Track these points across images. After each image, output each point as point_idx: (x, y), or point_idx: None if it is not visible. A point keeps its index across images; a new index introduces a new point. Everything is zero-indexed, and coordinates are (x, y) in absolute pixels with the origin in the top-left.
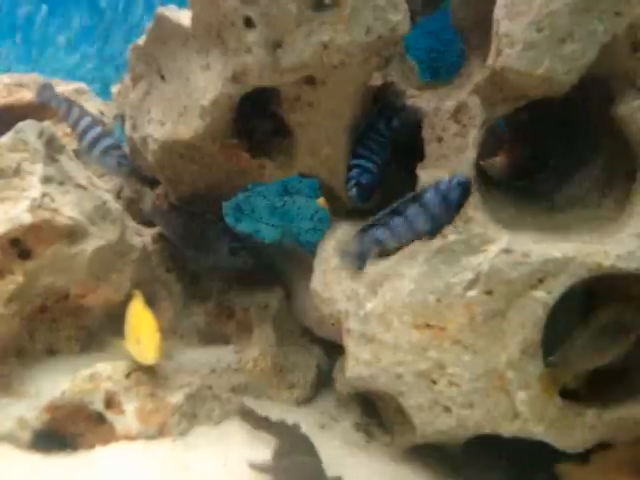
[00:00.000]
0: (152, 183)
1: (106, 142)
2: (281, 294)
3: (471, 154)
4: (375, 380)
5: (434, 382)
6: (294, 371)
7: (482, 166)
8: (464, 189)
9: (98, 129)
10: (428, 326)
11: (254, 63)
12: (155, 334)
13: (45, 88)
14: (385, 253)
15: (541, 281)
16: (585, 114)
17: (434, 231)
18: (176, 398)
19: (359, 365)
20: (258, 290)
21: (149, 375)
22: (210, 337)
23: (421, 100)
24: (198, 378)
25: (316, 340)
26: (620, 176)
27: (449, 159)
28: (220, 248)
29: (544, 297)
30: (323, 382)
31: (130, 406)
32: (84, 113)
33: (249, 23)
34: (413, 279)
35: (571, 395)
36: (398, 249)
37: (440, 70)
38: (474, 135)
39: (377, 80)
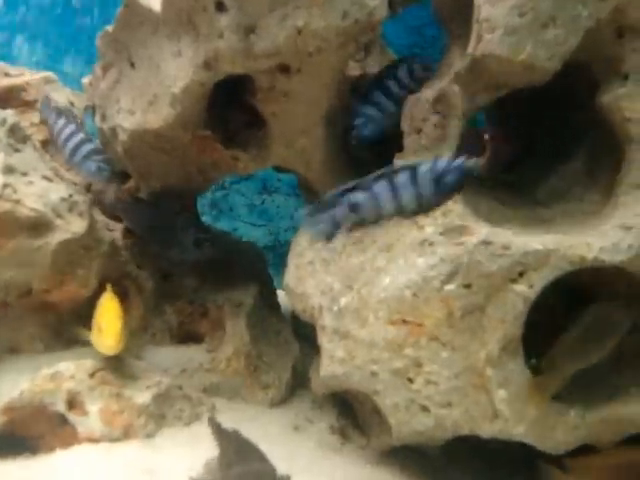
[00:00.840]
0: (124, 177)
1: (87, 147)
2: (255, 291)
3: (452, 145)
4: (349, 378)
5: (411, 380)
6: (269, 371)
7: None
8: (461, 174)
9: (80, 135)
10: (404, 322)
11: (226, 49)
12: (116, 322)
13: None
14: (361, 223)
15: (522, 274)
16: (568, 103)
17: (418, 211)
18: (143, 398)
19: (333, 363)
20: (232, 287)
21: (115, 374)
22: (183, 336)
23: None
24: (168, 378)
25: (295, 337)
26: (604, 167)
27: (429, 151)
28: (185, 240)
29: (525, 291)
30: (300, 382)
31: (94, 407)
32: (69, 121)
33: (221, 7)
34: (389, 273)
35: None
36: (375, 221)
37: None
38: (454, 125)
39: (355, 71)
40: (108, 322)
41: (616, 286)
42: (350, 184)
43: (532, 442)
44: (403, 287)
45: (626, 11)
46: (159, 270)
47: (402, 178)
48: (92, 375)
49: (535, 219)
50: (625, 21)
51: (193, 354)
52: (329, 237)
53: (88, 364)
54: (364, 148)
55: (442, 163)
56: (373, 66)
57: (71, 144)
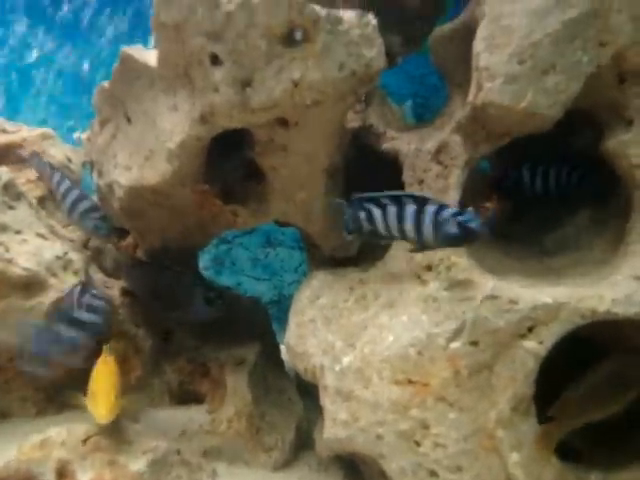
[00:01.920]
0: (122, 233)
1: (84, 205)
2: (258, 348)
3: (454, 195)
4: (353, 441)
5: (417, 443)
6: (272, 432)
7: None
8: (464, 232)
9: (76, 192)
10: (410, 382)
11: (222, 103)
12: (110, 390)
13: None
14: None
15: (531, 330)
16: (574, 150)
17: (419, 247)
18: (138, 465)
19: (336, 426)
20: (234, 344)
21: (110, 439)
22: (183, 396)
23: (401, 142)
24: (165, 441)
25: (299, 395)
26: (612, 214)
27: None
28: (195, 299)
29: (535, 347)
30: (305, 442)
31: (85, 477)
32: (64, 176)
33: (216, 61)
34: (392, 330)
35: (574, 456)
36: (385, 238)
37: (426, 116)
38: (457, 175)
39: (355, 122)
40: (102, 390)
41: (633, 339)
42: (367, 195)
43: None
44: (407, 345)
45: (626, 56)
46: (159, 328)
47: (409, 211)
48: (85, 441)
49: (543, 270)
50: (626, 66)
51: (193, 415)
52: (351, 232)
53: (80, 429)
54: None
55: (446, 213)
56: (373, 117)
57: (69, 200)
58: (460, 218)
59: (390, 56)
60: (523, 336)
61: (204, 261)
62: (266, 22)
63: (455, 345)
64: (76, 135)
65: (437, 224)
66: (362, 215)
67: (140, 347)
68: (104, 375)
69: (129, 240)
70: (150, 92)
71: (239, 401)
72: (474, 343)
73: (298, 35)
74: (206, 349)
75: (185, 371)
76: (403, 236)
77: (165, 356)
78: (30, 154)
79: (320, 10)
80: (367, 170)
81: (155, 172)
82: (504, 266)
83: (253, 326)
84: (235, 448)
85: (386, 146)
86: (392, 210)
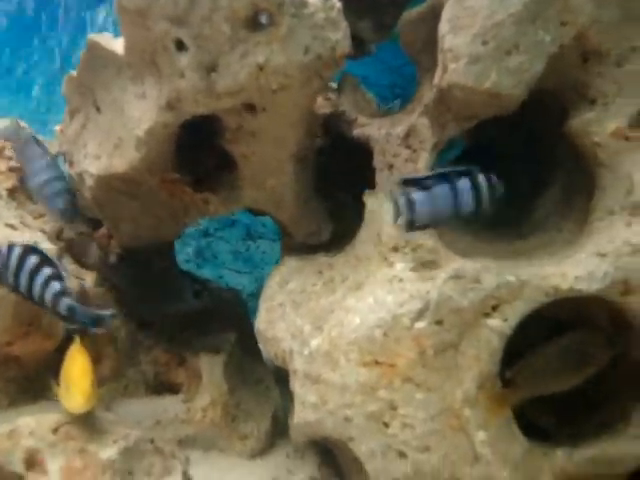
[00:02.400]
0: (96, 224)
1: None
2: (234, 338)
3: None
4: (322, 425)
5: (386, 425)
6: (248, 421)
7: None
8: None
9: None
10: (376, 363)
11: (188, 88)
12: (84, 378)
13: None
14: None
15: (495, 308)
16: (543, 132)
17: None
18: (109, 453)
19: (305, 409)
20: (210, 335)
21: (81, 428)
22: (159, 386)
23: (371, 128)
24: (139, 430)
25: (277, 385)
26: (580, 195)
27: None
28: (184, 293)
29: (499, 326)
30: (281, 431)
31: (55, 465)
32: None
33: (181, 46)
34: (359, 312)
35: (540, 433)
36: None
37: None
38: (425, 159)
39: (326, 109)
40: (76, 379)
41: (596, 315)
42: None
43: None
44: (373, 327)
45: (588, 35)
46: (134, 318)
47: (461, 184)
48: (55, 430)
49: (513, 252)
50: (588, 46)
51: (168, 405)
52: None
53: (51, 419)
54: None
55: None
56: (345, 104)
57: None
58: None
59: (362, 43)
60: (487, 315)
61: (186, 254)
62: (230, 5)
63: (420, 325)
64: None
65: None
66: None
67: (115, 337)
68: (76, 364)
69: (102, 231)
70: (118, 80)
71: (214, 390)
72: (439, 323)
73: (264, 19)
74: (182, 339)
75: (161, 361)
76: (458, 213)
77: (141, 346)
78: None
79: None
80: (340, 157)
81: (124, 160)
82: (474, 249)
83: (231, 317)
84: (210, 436)
85: (357, 132)
86: (445, 189)
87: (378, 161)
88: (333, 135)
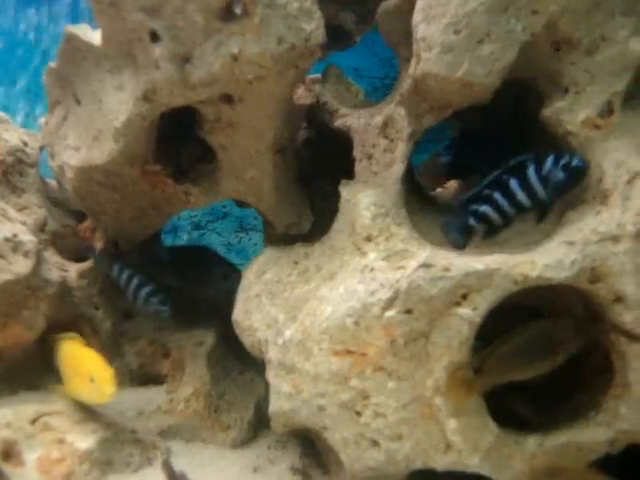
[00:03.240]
0: (80, 216)
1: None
2: (219, 329)
3: (398, 168)
4: (297, 414)
5: (359, 413)
6: (230, 411)
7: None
8: (571, 174)
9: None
10: (348, 352)
11: (163, 80)
12: (106, 367)
13: None
14: (491, 232)
15: (464, 297)
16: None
17: (535, 207)
18: (87, 444)
19: (280, 399)
20: (195, 326)
21: (60, 420)
22: (144, 378)
23: (351, 118)
24: (120, 421)
25: (261, 376)
26: None
27: (379, 176)
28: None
29: (469, 314)
30: (265, 421)
31: (32, 456)
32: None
33: (155, 37)
34: (331, 301)
35: (518, 422)
36: (504, 226)
37: None
38: (401, 149)
39: (307, 99)
40: (97, 370)
41: (574, 306)
42: (468, 194)
43: (488, 473)
44: (344, 316)
45: (559, 24)
46: (119, 310)
47: (513, 184)
48: (34, 421)
49: (488, 242)
50: (559, 35)
51: (152, 396)
52: (462, 245)
53: (30, 410)
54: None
55: (548, 163)
56: (327, 95)
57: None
58: (562, 162)
59: (346, 34)
60: (457, 304)
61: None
62: None
63: (390, 314)
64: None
65: (544, 180)
66: (471, 221)
67: (98, 329)
68: (88, 355)
69: (86, 223)
70: (97, 72)
71: (197, 381)
72: (408, 311)
73: (238, 9)
74: (167, 331)
75: (146, 353)
76: (520, 210)
77: (126, 338)
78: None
79: None
80: (324, 148)
81: (102, 152)
82: None
83: (217, 308)
84: (193, 427)
85: (338, 123)
86: (498, 195)
87: (357, 151)
88: (317, 126)
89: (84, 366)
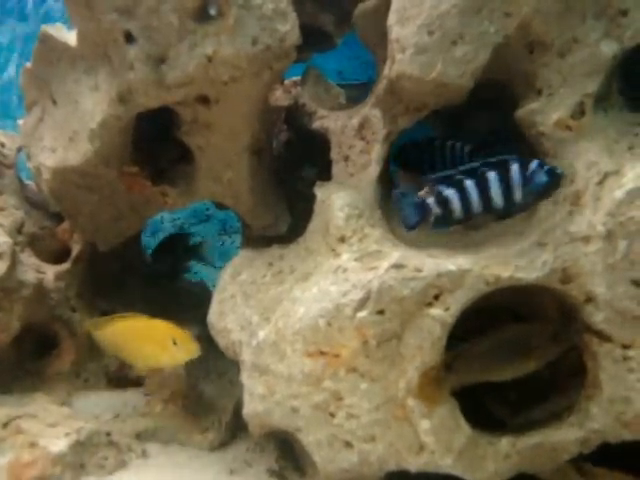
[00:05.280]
0: (59, 218)
1: None
2: (198, 331)
3: (373, 170)
4: (270, 415)
5: (332, 415)
6: (209, 414)
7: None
8: (555, 178)
9: None
10: (321, 353)
11: (138, 80)
12: (186, 331)
13: None
14: (445, 222)
15: (437, 297)
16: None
17: (507, 211)
18: (59, 447)
19: (254, 400)
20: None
21: (33, 423)
22: (122, 380)
23: (329, 120)
24: (95, 424)
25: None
26: None
27: (355, 177)
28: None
29: (441, 315)
30: (243, 424)
31: (2, 460)
32: None
33: (130, 38)
34: (304, 302)
35: (498, 424)
36: (464, 220)
37: None
38: (377, 150)
39: (285, 101)
40: (178, 332)
41: (538, 304)
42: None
43: (461, 474)
44: (317, 316)
45: (531, 26)
46: (98, 312)
47: (492, 177)
48: (6, 425)
49: (466, 242)
50: (533, 37)
51: (129, 398)
52: (413, 226)
53: (1, 413)
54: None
55: (532, 165)
56: (306, 97)
57: None
58: (547, 167)
59: (325, 35)
60: (429, 304)
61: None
62: None
63: (362, 314)
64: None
65: (526, 179)
66: (430, 200)
67: (75, 331)
68: (158, 322)
69: (65, 225)
70: (72, 72)
71: (175, 383)
72: (380, 312)
73: (212, 10)
74: None
75: None
76: (487, 206)
77: None
78: None
79: None
80: (302, 150)
81: (78, 153)
82: (427, 239)
83: (198, 310)
84: (170, 429)
85: (316, 125)
86: (470, 183)
87: (335, 153)
88: (296, 128)
89: (160, 334)
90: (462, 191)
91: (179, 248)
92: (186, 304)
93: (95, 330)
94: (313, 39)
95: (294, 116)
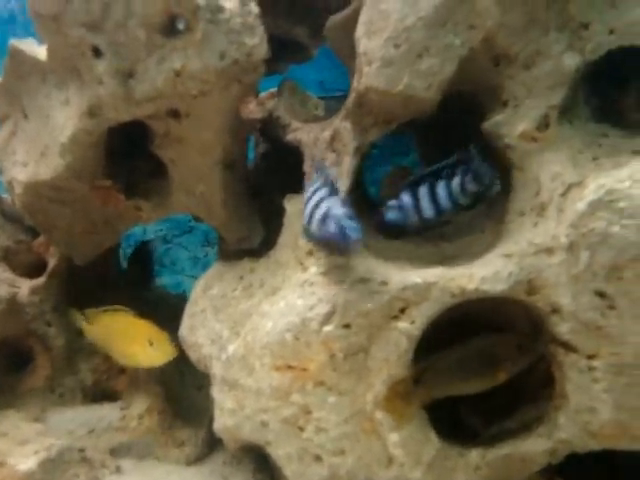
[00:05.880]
0: (36, 232)
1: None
2: (177, 343)
3: (344, 183)
4: (240, 430)
5: (301, 429)
6: (185, 428)
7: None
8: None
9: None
10: (289, 367)
11: (107, 95)
12: (163, 332)
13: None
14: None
15: (403, 311)
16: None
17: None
18: (28, 465)
19: (224, 415)
20: None
21: (3, 441)
22: (99, 395)
23: (302, 132)
24: (68, 440)
25: None
26: (502, 197)
27: None
28: None
29: (407, 328)
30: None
31: None
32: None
33: (98, 52)
34: (272, 317)
35: (473, 434)
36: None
37: None
38: (348, 162)
39: (258, 114)
40: (156, 333)
41: (505, 316)
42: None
43: None
44: (284, 331)
45: (496, 39)
46: (74, 326)
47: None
48: None
49: (437, 254)
50: (497, 49)
51: (105, 413)
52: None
53: None
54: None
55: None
56: (281, 109)
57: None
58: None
59: (301, 47)
60: (395, 317)
61: None
62: (144, 11)
63: (328, 328)
64: None
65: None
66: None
67: (50, 346)
68: (141, 323)
69: (41, 239)
70: (43, 87)
71: (151, 397)
72: (346, 326)
73: (181, 25)
74: None
75: (101, 369)
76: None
77: (81, 354)
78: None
79: None
80: (277, 162)
81: (49, 168)
82: (399, 251)
83: (177, 322)
84: (145, 444)
85: (289, 137)
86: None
87: (307, 165)
88: (271, 141)
89: (139, 333)
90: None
91: (146, 255)
92: (166, 316)
93: (84, 323)
94: (288, 51)
95: (269, 128)
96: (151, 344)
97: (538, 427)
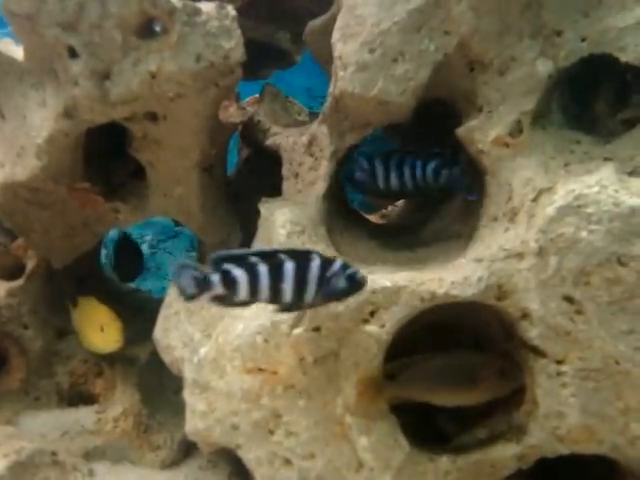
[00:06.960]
0: (14, 234)
1: None
2: (152, 347)
3: (320, 187)
4: (211, 433)
5: (271, 432)
6: (161, 431)
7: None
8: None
9: None
10: (259, 370)
11: (83, 96)
12: (117, 320)
13: None
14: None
15: (372, 314)
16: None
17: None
18: None
19: (195, 417)
20: (130, 344)
21: None
22: (75, 398)
23: (281, 137)
24: (40, 443)
25: None
26: (478, 202)
27: (302, 193)
28: None
29: (377, 332)
30: None
31: None
32: None
33: (73, 53)
34: (243, 319)
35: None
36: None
37: None
38: (325, 167)
39: (237, 118)
40: (108, 320)
41: (489, 323)
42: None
43: None
44: (254, 333)
45: (470, 45)
46: (52, 329)
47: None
48: None
49: (413, 259)
50: (472, 55)
51: (80, 416)
52: (191, 297)
53: None
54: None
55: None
56: (261, 114)
57: None
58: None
59: (283, 53)
60: (365, 321)
61: None
62: (119, 13)
63: (297, 332)
64: None
65: (324, 280)
66: (214, 277)
67: (26, 348)
68: (101, 310)
69: (20, 241)
70: (20, 87)
71: (127, 400)
72: (316, 329)
73: (158, 27)
74: None
75: (78, 372)
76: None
77: (58, 357)
78: None
79: (177, 1)
80: (258, 166)
81: (25, 169)
82: (375, 256)
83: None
84: (120, 448)
85: (269, 142)
86: (263, 270)
87: (285, 169)
88: (252, 145)
89: (95, 318)
90: (252, 275)
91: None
92: (149, 320)
93: (70, 307)
94: (271, 57)
95: (250, 133)
96: (102, 330)
97: (507, 432)
